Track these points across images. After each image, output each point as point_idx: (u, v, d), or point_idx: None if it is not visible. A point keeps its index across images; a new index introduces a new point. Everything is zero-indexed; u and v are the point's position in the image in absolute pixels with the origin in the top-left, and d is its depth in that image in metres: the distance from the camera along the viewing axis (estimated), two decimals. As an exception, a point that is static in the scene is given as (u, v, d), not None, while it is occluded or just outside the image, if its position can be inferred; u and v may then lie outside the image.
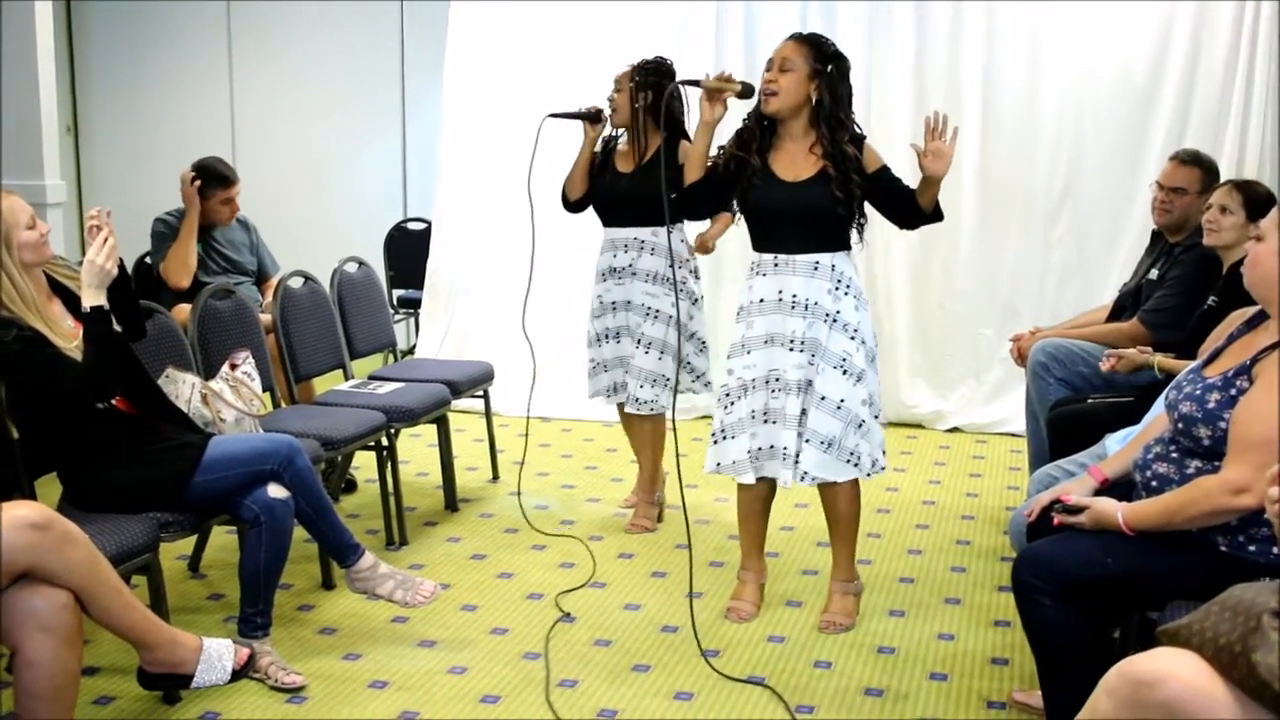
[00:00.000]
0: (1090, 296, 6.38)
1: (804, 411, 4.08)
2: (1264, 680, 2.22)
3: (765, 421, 4.13)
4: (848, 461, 4.10)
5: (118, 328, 3.72)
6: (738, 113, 4.27)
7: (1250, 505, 2.78)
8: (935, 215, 4.13)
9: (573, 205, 5.22)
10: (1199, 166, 5.00)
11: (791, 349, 4.07)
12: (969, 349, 7.03)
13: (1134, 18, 6.63)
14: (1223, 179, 5.05)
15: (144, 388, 3.90)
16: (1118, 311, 5.18)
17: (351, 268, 5.84)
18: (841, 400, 4.05)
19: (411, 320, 8.36)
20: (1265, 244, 2.97)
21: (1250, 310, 3.20)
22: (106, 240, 3.61)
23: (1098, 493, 3.27)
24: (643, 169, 5.02)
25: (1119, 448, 3.51)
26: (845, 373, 4.05)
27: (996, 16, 6.78)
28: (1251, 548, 2.91)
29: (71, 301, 3.71)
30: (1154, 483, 3.10)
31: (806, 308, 4.05)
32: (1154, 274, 5.01)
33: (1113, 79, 6.70)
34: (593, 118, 5.10)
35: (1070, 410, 4.56)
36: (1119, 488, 3.29)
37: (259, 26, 9.15)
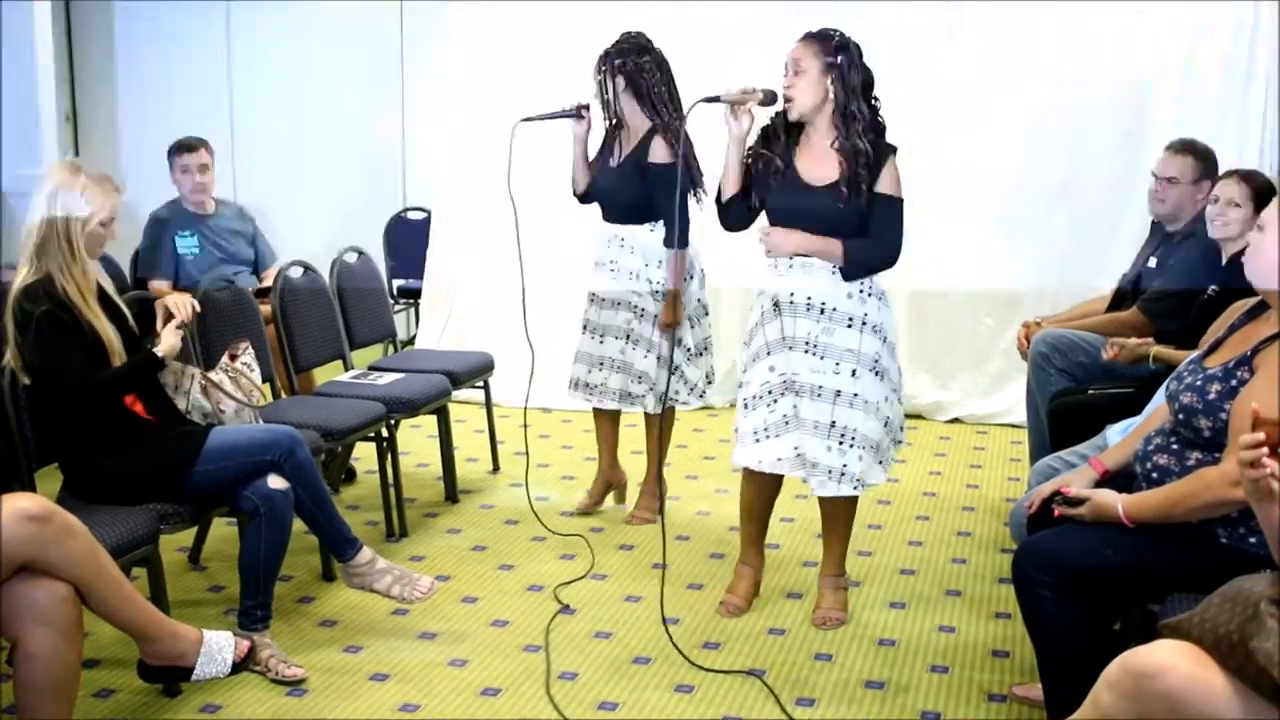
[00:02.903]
0: (1091, 286, 6.35)
1: (834, 421, 4.02)
2: (1262, 668, 2.22)
3: (791, 426, 4.07)
4: (880, 463, 4.14)
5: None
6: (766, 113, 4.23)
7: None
8: (848, 265, 4.00)
9: (581, 198, 5.20)
10: (1192, 155, 4.98)
11: (808, 352, 4.02)
12: (969, 339, 7.02)
13: (1134, 7, 6.60)
14: (1224, 169, 5.04)
15: (151, 388, 3.94)
16: (1118, 301, 5.17)
17: (351, 258, 5.83)
18: (880, 403, 4.05)
19: (411, 310, 8.34)
20: (1266, 234, 2.97)
21: (1251, 300, 3.20)
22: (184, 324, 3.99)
23: (1098, 484, 3.28)
24: (626, 162, 4.99)
25: (1120, 439, 3.51)
26: (878, 375, 4.04)
27: (998, 5, 6.75)
28: (1252, 539, 2.90)
29: (103, 299, 3.84)
30: (1154, 474, 3.09)
31: (822, 311, 4.00)
32: (1153, 263, 5.00)
33: (1115, 67, 6.68)
34: (574, 115, 5.03)
35: (1071, 401, 4.55)
36: (1120, 479, 3.29)
37: (257, 15, 9.11)
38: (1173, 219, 4.99)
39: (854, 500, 4.23)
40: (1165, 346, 4.36)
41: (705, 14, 7.03)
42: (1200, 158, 4.98)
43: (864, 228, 3.97)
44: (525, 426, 5.38)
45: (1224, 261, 4.53)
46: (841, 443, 4.03)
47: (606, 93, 4.93)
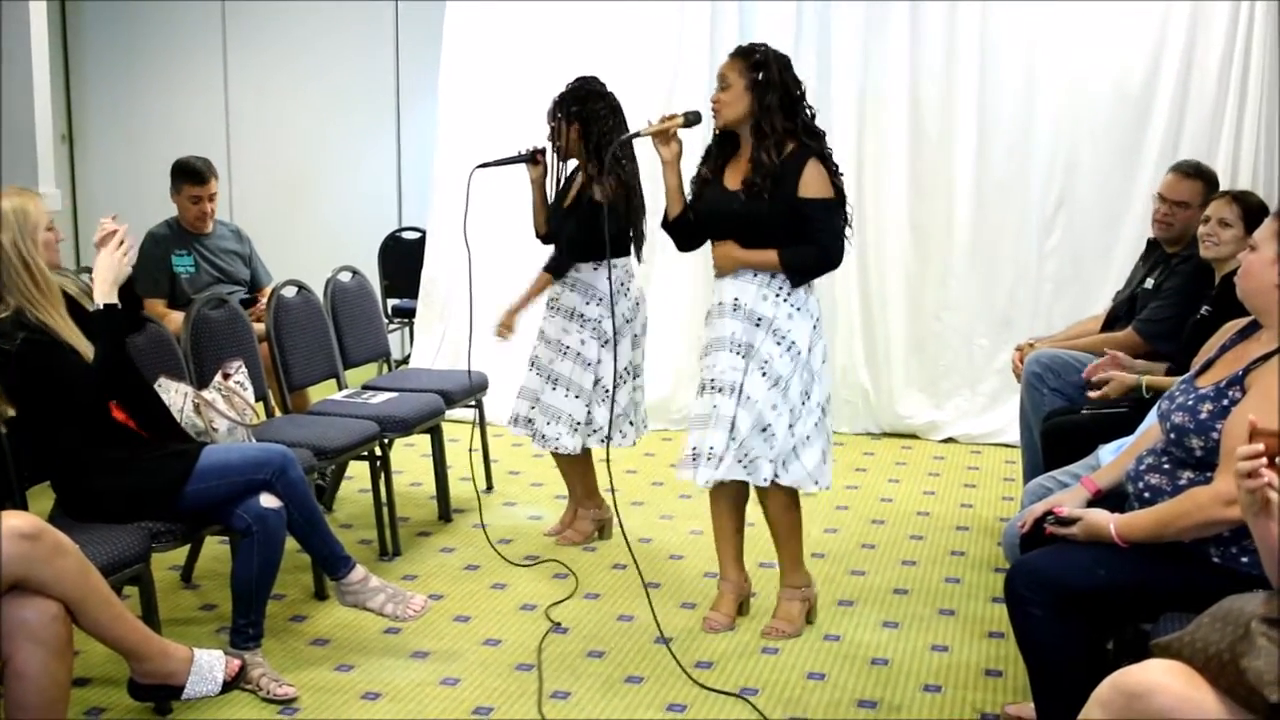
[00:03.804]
0: (1085, 307, 6.37)
1: (736, 414, 4.13)
2: (1253, 687, 2.22)
3: (710, 422, 4.16)
4: (739, 462, 4.11)
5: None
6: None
7: (1242, 517, 2.77)
8: (789, 272, 4.10)
9: (544, 239, 5.23)
10: (1202, 179, 4.96)
11: (730, 350, 4.14)
12: (964, 360, 7.02)
13: (1127, 27, 6.64)
14: (1218, 176, 5.04)
15: (144, 397, 3.92)
16: (1111, 321, 5.17)
17: (345, 277, 5.83)
18: (758, 403, 4.08)
19: (406, 330, 8.35)
20: (1259, 254, 2.98)
21: (1243, 321, 3.20)
22: (122, 242, 3.76)
23: (1090, 504, 3.27)
24: (574, 203, 5.01)
25: (1112, 458, 3.51)
26: (764, 375, 4.09)
27: (991, 25, 6.80)
28: (1244, 559, 2.90)
29: (72, 310, 3.73)
30: (1146, 494, 3.09)
31: (737, 309, 4.13)
32: (1150, 283, 5.00)
33: (1107, 89, 6.71)
34: (529, 159, 5.08)
35: (1064, 421, 4.55)
36: (1112, 499, 3.29)
37: (254, 37, 9.16)
38: (1178, 242, 4.97)
39: (780, 503, 4.24)
40: (1154, 372, 4.36)
41: (704, 14, 7.05)
42: (1207, 181, 4.96)
43: (784, 230, 4.06)
44: (471, 450, 5.47)
45: (1216, 282, 4.54)
46: (732, 435, 4.12)
47: (559, 139, 4.96)
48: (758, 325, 4.10)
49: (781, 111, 4.06)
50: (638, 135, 4.30)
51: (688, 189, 4.27)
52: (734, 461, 4.10)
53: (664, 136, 4.18)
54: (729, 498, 4.29)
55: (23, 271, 3.58)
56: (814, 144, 4.10)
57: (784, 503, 4.25)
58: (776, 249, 4.07)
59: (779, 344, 4.09)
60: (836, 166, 4.14)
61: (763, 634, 4.27)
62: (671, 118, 4.21)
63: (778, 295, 4.10)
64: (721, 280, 4.20)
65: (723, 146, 4.22)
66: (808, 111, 4.14)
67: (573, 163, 5.07)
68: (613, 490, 4.39)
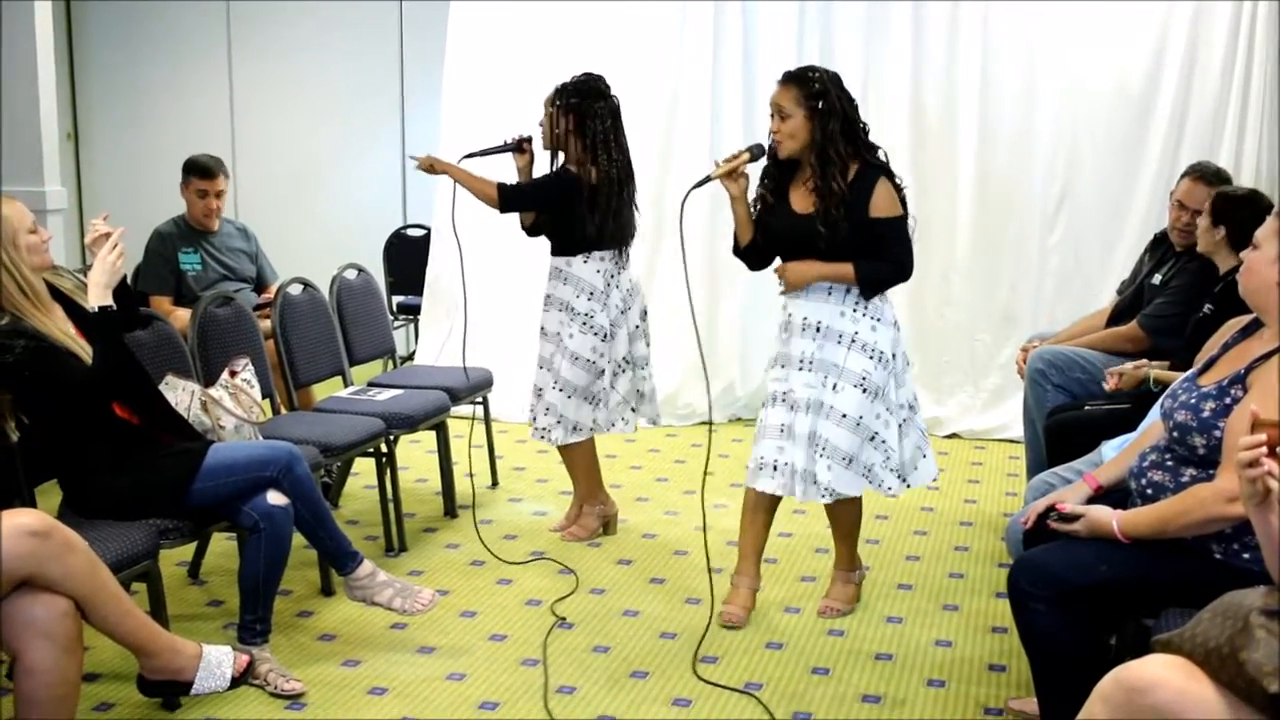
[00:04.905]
0: (1087, 303, 6.38)
1: (814, 431, 4.18)
2: (1252, 679, 2.24)
3: (783, 436, 4.22)
4: (863, 476, 4.23)
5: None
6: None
7: (1244, 514, 2.78)
8: (863, 286, 4.16)
9: (529, 231, 5.20)
10: (1221, 185, 4.92)
11: (801, 368, 4.20)
12: (967, 355, 7.04)
13: (1130, 24, 6.66)
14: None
15: (147, 394, 3.93)
16: (1116, 316, 5.17)
17: (351, 274, 5.85)
18: (860, 418, 4.16)
19: (411, 326, 8.36)
20: (1261, 252, 2.99)
21: (1245, 318, 3.21)
22: (116, 243, 3.75)
23: (1092, 500, 3.29)
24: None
25: (1115, 455, 3.52)
26: (864, 390, 4.15)
27: (993, 23, 6.81)
28: (1245, 555, 2.92)
29: (70, 310, 3.74)
30: (1149, 490, 3.11)
31: (818, 329, 4.18)
32: (1157, 278, 5.00)
33: (1109, 85, 6.72)
34: (514, 148, 5.08)
35: (1067, 417, 4.57)
36: (1114, 495, 3.30)
37: (258, 34, 9.17)
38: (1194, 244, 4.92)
39: (853, 505, 4.35)
40: (1162, 367, 4.38)
41: (706, 14, 7.06)
42: (1225, 184, 4.93)
43: (856, 251, 4.11)
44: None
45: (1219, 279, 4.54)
46: (821, 454, 4.19)
47: (558, 127, 4.94)
48: (839, 342, 4.16)
49: (844, 136, 4.10)
50: (708, 180, 4.29)
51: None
52: (852, 476, 4.19)
53: (731, 174, 4.22)
54: (768, 499, 4.34)
55: (9, 283, 3.53)
56: (876, 161, 4.15)
57: (856, 502, 4.35)
58: (851, 262, 4.12)
59: (870, 357, 4.16)
60: (899, 180, 4.19)
61: (819, 613, 4.42)
62: (736, 156, 4.24)
63: (855, 310, 4.17)
64: (793, 298, 4.25)
65: (781, 166, 4.25)
66: (864, 127, 4.18)
67: (562, 157, 5.02)
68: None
